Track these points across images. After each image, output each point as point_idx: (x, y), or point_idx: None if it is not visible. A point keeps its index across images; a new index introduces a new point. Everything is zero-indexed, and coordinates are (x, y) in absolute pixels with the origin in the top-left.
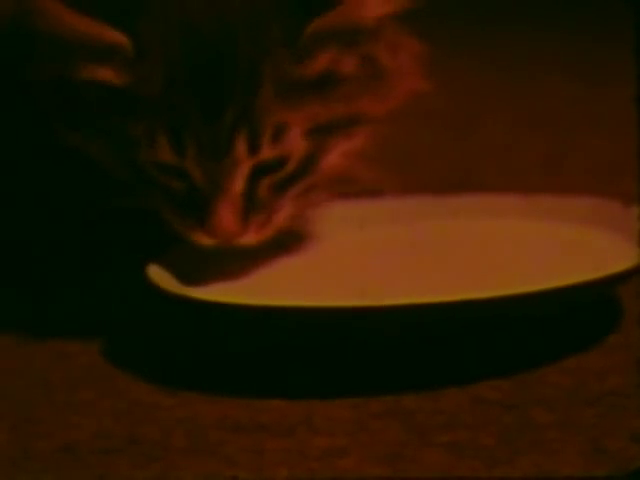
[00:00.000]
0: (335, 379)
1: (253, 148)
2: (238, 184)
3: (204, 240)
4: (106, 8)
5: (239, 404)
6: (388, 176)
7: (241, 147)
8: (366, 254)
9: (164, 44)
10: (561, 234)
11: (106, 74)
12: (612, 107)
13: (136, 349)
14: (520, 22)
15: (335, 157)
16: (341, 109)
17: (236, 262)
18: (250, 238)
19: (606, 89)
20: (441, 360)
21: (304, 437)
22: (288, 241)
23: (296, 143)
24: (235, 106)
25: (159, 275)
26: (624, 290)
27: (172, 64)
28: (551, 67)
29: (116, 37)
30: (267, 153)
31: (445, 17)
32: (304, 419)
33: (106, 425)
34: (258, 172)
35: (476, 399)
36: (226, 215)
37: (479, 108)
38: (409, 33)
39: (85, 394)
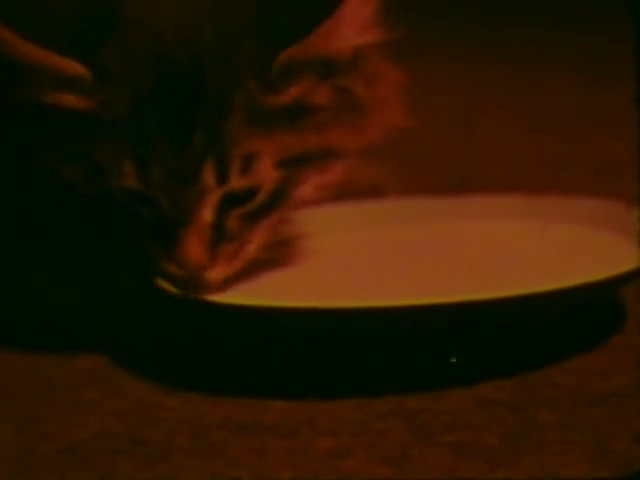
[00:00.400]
0: (339, 380)
1: (221, 177)
2: (206, 214)
3: (173, 270)
4: (61, 38)
5: (243, 405)
6: (390, 177)
7: (209, 176)
8: (367, 255)
9: (131, 69)
10: (563, 235)
11: (68, 100)
12: (616, 107)
13: (140, 350)
14: (523, 21)
15: (308, 190)
16: (312, 140)
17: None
18: (218, 272)
19: (610, 88)
20: (445, 360)
21: (308, 438)
22: (290, 243)
23: (266, 174)
24: (203, 134)
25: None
26: (627, 291)
27: (139, 89)
28: (554, 66)
29: (72, 67)
30: (236, 183)
31: (448, 17)
32: (308, 420)
33: (110, 425)
34: (227, 202)
35: (480, 399)
36: (194, 246)
37: (481, 108)
38: (390, 63)
39: (89, 394)
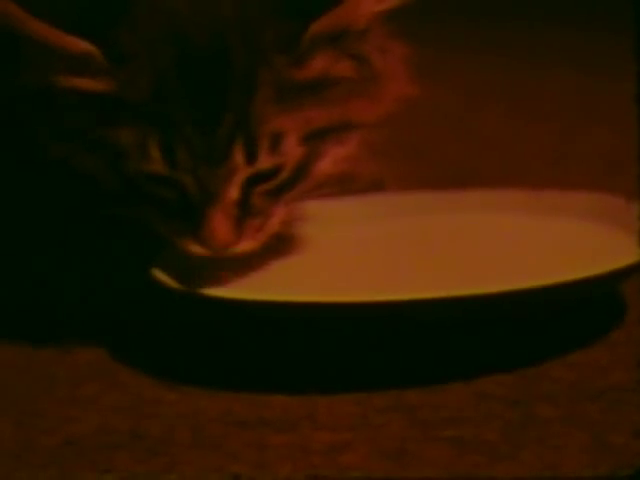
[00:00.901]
0: (338, 374)
1: (250, 157)
2: (233, 193)
3: (197, 250)
4: (71, 16)
5: (242, 399)
6: (390, 172)
7: (238, 157)
8: (369, 249)
9: (151, 50)
10: (563, 229)
11: (84, 82)
12: (616, 101)
13: (139, 344)
14: (523, 16)
15: (328, 163)
16: (336, 113)
17: (240, 258)
18: (245, 246)
19: (610, 83)
20: (445, 355)
21: (307, 432)
22: (291, 237)
23: (292, 150)
24: (231, 114)
25: (162, 270)
26: (627, 285)
27: (161, 71)
28: (555, 61)
29: (81, 46)
30: (264, 162)
31: (447, 11)
32: (307, 414)
33: (109, 420)
34: (253, 179)
35: (480, 394)
36: (220, 224)
37: (482, 103)
38: (396, 36)
39: (88, 389)
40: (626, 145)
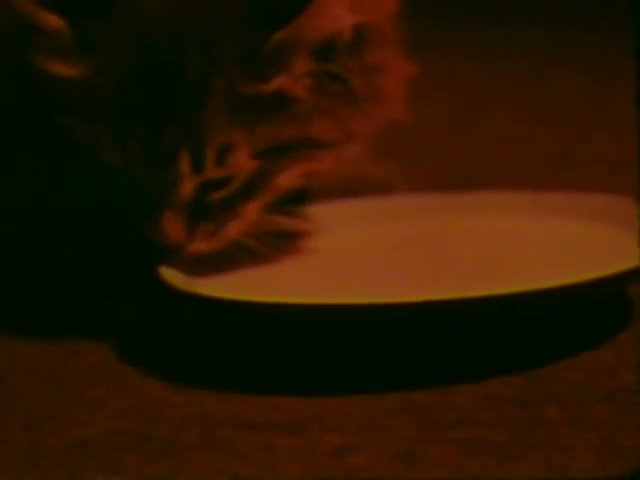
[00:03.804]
0: (346, 376)
1: (197, 166)
2: (182, 197)
3: (158, 241)
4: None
5: (250, 401)
6: (397, 173)
7: (184, 165)
8: (376, 251)
9: (118, 45)
10: (570, 231)
11: (57, 66)
12: (622, 102)
13: (147, 346)
14: (529, 19)
15: (291, 178)
16: (290, 131)
17: (246, 260)
18: (196, 247)
19: (616, 84)
20: (453, 356)
21: (315, 434)
22: (297, 238)
23: (242, 164)
24: (179, 121)
25: (170, 272)
26: (635, 287)
27: (123, 68)
28: (560, 64)
29: (53, 21)
30: (211, 173)
31: (454, 15)
32: (315, 416)
33: (117, 422)
34: (207, 184)
35: (488, 395)
36: (171, 225)
37: (488, 105)
38: (401, 54)
39: (96, 391)
40: (632, 147)
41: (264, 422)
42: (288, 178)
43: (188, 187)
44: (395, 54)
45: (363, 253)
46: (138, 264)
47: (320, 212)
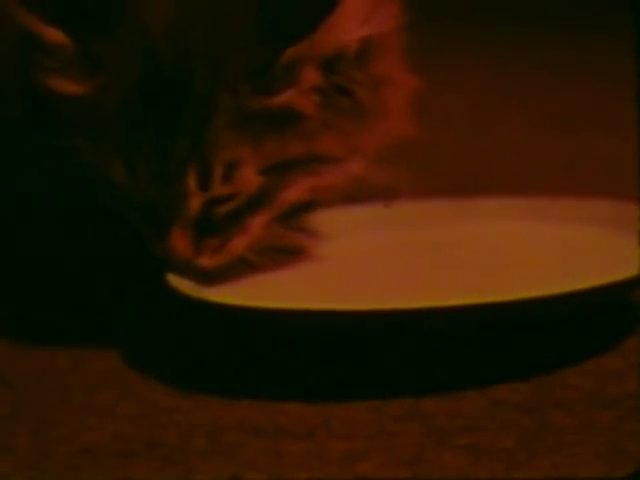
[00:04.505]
0: (354, 382)
1: (204, 184)
2: (191, 213)
3: (166, 256)
4: (54, 10)
5: (258, 407)
6: (402, 179)
7: (192, 182)
8: (382, 257)
9: (123, 63)
10: (578, 237)
11: (61, 83)
12: (627, 107)
13: (155, 352)
14: (534, 23)
15: (297, 193)
16: (297, 148)
17: (254, 268)
18: (203, 262)
19: (625, 88)
20: (460, 363)
21: (323, 440)
22: (303, 245)
23: (248, 181)
24: (186, 139)
25: (178, 278)
26: None
27: (128, 86)
28: (569, 68)
29: (56, 36)
30: (218, 190)
31: (460, 19)
32: (323, 422)
33: (125, 428)
34: (214, 199)
35: (495, 402)
36: (178, 241)
37: (494, 110)
38: (405, 67)
39: (104, 397)
40: (636, 153)
41: (272, 428)
42: (294, 193)
43: (195, 204)
44: (399, 66)
45: (367, 259)
46: (146, 270)
47: (323, 219)
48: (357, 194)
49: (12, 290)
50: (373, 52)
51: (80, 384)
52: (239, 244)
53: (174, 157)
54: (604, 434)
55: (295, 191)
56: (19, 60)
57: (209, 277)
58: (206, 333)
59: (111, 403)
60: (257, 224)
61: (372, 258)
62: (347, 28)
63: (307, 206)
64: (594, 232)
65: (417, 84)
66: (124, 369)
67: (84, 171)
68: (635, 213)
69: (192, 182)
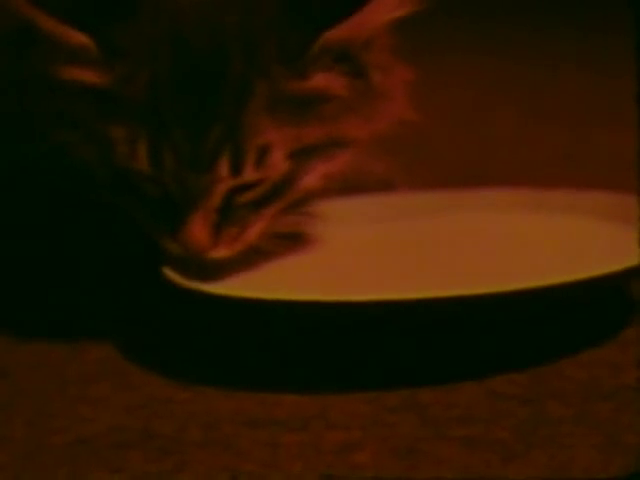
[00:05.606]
0: (350, 373)
1: (235, 169)
2: (215, 201)
3: (174, 249)
4: (70, 8)
5: (254, 398)
6: (400, 171)
7: (224, 168)
8: (379, 249)
9: (150, 49)
10: (575, 228)
11: (81, 74)
12: (626, 101)
13: (150, 343)
14: (533, 16)
15: (314, 179)
16: (325, 130)
17: (251, 257)
18: (220, 253)
19: (622, 82)
20: (456, 354)
21: (319, 431)
22: (301, 237)
23: (278, 165)
24: (221, 124)
25: (173, 269)
26: (638, 284)
27: (157, 71)
28: (565, 61)
29: (78, 38)
30: (249, 176)
31: (459, 12)
32: (319, 413)
33: (121, 419)
34: (236, 187)
35: (491, 393)
36: (198, 230)
37: (491, 102)
38: (401, 60)
39: (100, 388)
40: (635, 145)
41: (267, 419)
42: (310, 179)
43: (221, 191)
44: (393, 57)
45: (364, 251)
46: (142, 260)
47: (321, 209)
48: (353, 185)
49: (7, 281)
50: (375, 39)
51: (76, 375)
52: (254, 233)
53: (207, 143)
54: (601, 426)
55: (312, 178)
56: (15, 55)
57: (212, 270)
58: (202, 324)
59: (107, 394)
60: (273, 212)
61: (368, 249)
62: (382, 12)
63: (314, 193)
64: (592, 223)
65: (410, 76)
66: (120, 360)
67: (82, 165)
68: (633, 204)
69: (224, 168)
